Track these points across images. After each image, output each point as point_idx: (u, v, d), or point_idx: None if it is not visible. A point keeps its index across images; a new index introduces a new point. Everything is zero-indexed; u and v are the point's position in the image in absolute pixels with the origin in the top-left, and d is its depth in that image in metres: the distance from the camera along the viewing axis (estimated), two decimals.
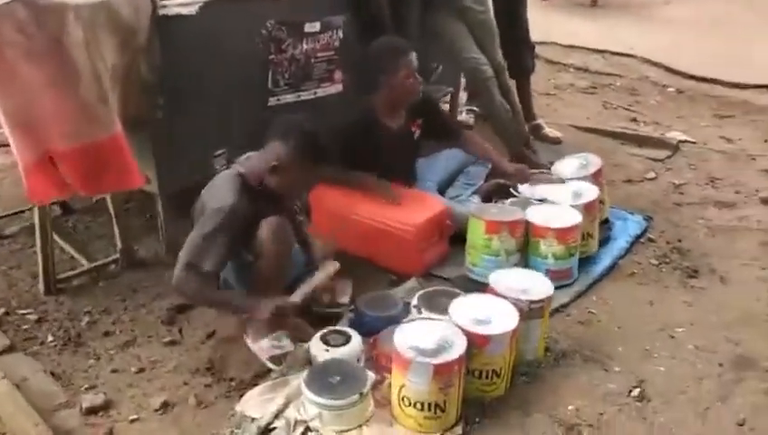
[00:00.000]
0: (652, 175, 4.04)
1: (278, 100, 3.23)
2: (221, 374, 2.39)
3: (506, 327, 2.22)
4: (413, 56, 3.14)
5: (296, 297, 2.42)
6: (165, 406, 2.24)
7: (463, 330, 2.19)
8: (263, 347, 2.45)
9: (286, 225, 2.41)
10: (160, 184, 2.91)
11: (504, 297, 2.37)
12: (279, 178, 2.45)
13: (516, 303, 2.34)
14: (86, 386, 2.32)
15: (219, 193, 2.38)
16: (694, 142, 4.48)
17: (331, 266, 2.59)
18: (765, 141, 4.54)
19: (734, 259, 3.18)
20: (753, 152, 4.36)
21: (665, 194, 3.81)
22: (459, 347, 2.11)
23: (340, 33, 3.45)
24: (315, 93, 3.42)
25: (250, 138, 2.58)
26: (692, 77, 5.70)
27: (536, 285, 2.48)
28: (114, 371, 2.40)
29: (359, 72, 3.39)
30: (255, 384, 2.32)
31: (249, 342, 2.48)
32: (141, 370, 2.41)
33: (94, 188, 2.57)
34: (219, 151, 2.51)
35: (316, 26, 3.32)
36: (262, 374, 2.38)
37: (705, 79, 5.60)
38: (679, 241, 3.31)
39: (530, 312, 2.36)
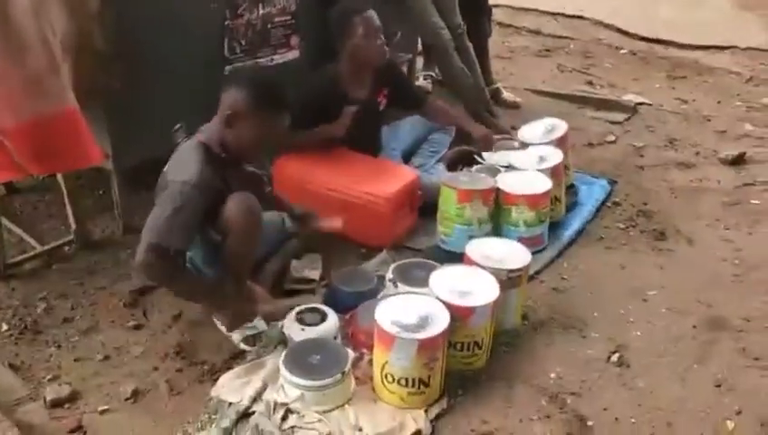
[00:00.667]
0: (612, 138, 4.04)
1: (234, 67, 3.09)
2: (192, 358, 2.29)
3: (488, 298, 2.18)
4: (373, 15, 3.04)
5: (282, 305, 2.37)
6: (135, 394, 2.13)
7: (444, 303, 2.14)
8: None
9: (253, 199, 2.27)
10: (116, 159, 2.76)
11: (483, 267, 2.33)
12: (237, 130, 2.25)
13: (495, 272, 2.30)
14: (49, 377, 2.18)
15: (183, 166, 2.21)
16: (650, 104, 4.50)
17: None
18: (718, 102, 4.60)
19: (698, 220, 3.21)
20: (707, 113, 4.41)
21: (626, 157, 3.82)
22: (442, 321, 2.06)
23: None
24: (272, 60, 3.28)
25: (207, 107, 2.43)
26: (644, 39, 5.73)
27: (512, 253, 2.44)
28: (77, 359, 2.27)
29: (320, 39, 3.27)
30: (229, 368, 2.23)
31: (219, 323, 2.38)
32: (107, 357, 2.29)
33: (48, 167, 2.39)
34: (177, 126, 2.34)
35: None
36: (235, 356, 2.29)
37: (658, 40, 5.64)
38: (645, 204, 3.33)
39: (508, 281, 2.33)
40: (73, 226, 2.79)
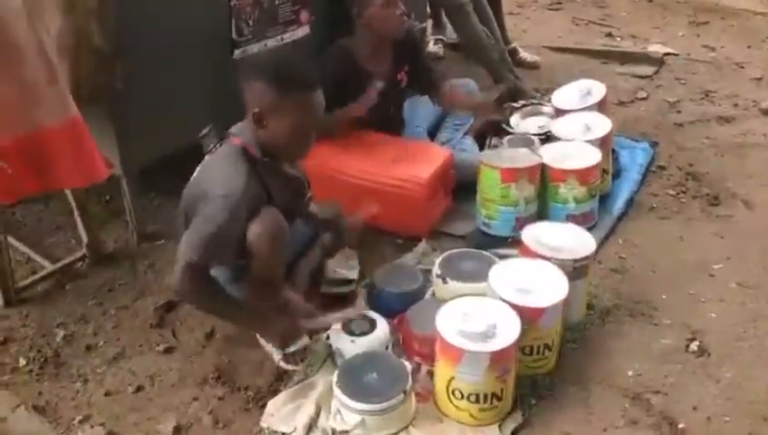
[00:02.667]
0: (643, 94, 3.81)
1: (244, 51, 2.81)
2: (233, 383, 2.07)
3: (558, 295, 1.96)
4: None
5: (310, 325, 2.11)
6: (177, 431, 1.91)
7: (511, 304, 1.92)
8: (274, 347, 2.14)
9: (277, 215, 2.01)
10: (125, 164, 2.50)
11: (545, 258, 2.11)
12: (271, 128, 1.99)
13: (560, 263, 2.08)
14: (79, 418, 1.95)
15: (224, 176, 1.95)
16: (677, 54, 4.25)
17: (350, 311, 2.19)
18: (748, 47, 4.35)
19: (750, 179, 3.02)
20: (739, 60, 4.17)
21: (662, 114, 3.59)
22: (513, 327, 1.85)
23: None
24: (282, 39, 2.99)
25: (218, 97, 2.15)
26: None
27: (573, 238, 2.22)
28: (108, 394, 2.04)
29: (331, 12, 3.00)
30: (276, 391, 2.01)
31: (260, 338, 2.16)
32: (139, 388, 2.06)
33: (50, 185, 2.12)
34: (206, 129, 2.07)
35: None
36: (280, 378, 2.07)
37: None
38: (690, 165, 3.12)
39: (574, 272, 2.11)
40: (85, 239, 2.55)
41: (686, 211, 2.82)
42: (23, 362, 2.17)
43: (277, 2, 2.91)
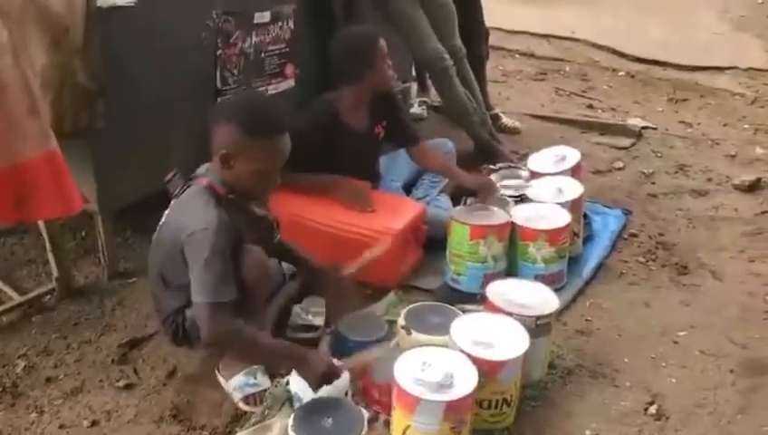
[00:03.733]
0: (620, 164, 3.90)
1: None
2: (190, 422, 2.05)
3: (518, 350, 1.98)
4: (383, 42, 2.86)
5: (346, 365, 2.06)
6: None
7: (470, 356, 1.94)
8: (236, 386, 2.13)
9: (260, 252, 2.07)
10: (101, 202, 2.53)
11: (508, 314, 2.14)
12: (237, 169, 2.02)
13: (522, 319, 2.11)
14: None
15: (196, 213, 1.98)
16: (655, 128, 4.38)
17: (384, 348, 2.19)
18: (724, 125, 4.49)
19: (720, 252, 3.06)
20: (714, 137, 4.29)
21: (637, 184, 3.67)
22: (470, 378, 1.86)
23: (291, 24, 3.13)
24: (267, 90, 3.09)
25: (199, 144, 2.21)
26: (640, 60, 5.63)
27: (538, 296, 2.25)
28: (62, 426, 2.02)
29: (316, 68, 3.09)
30: (232, 432, 2.00)
31: (221, 379, 2.16)
32: (95, 423, 2.04)
33: (27, 215, 2.14)
34: (171, 173, 2.12)
35: (266, 16, 2.99)
36: (237, 419, 2.06)
37: (655, 62, 5.54)
38: (662, 235, 3.17)
39: (537, 329, 2.13)
40: (55, 273, 2.56)
41: (654, 279, 2.86)
42: None
43: (263, 54, 3.01)
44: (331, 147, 2.84)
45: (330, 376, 1.96)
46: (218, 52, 2.79)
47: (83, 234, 2.96)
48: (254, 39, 2.95)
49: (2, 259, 2.84)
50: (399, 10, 3.59)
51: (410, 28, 3.62)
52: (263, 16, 2.97)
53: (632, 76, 5.41)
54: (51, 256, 2.56)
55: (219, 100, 2.83)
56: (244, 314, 1.99)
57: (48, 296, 2.57)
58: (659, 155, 4.03)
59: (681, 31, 6.26)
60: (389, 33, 3.57)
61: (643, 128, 4.33)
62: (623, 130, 4.30)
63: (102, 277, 2.71)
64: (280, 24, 3.08)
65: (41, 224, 2.52)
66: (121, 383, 2.20)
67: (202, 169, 2.15)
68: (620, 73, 5.47)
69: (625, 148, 4.11)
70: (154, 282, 2.18)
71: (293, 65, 3.20)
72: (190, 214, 2.01)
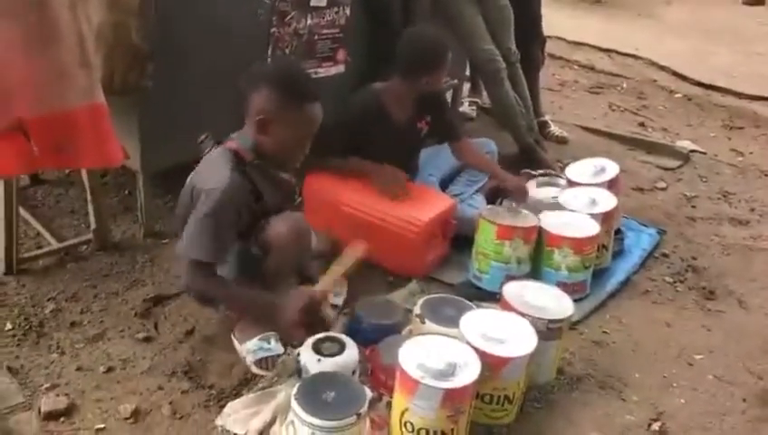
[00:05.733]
0: (663, 184, 3.84)
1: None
2: (200, 380, 2.13)
3: (525, 349, 1.99)
4: (449, 56, 2.91)
5: (322, 286, 2.17)
6: (135, 414, 1.97)
7: (476, 349, 1.96)
8: (249, 349, 2.20)
9: (302, 219, 2.15)
10: (143, 162, 2.63)
11: (521, 314, 2.15)
12: (273, 134, 2.12)
13: (534, 321, 2.12)
14: (47, 386, 2.03)
15: (211, 173, 2.09)
16: (704, 153, 4.29)
17: (359, 249, 2.31)
18: None
19: (751, 282, 3.00)
20: (765, 168, 4.18)
21: (677, 206, 3.61)
22: (472, 370, 1.88)
23: (347, 11, 3.19)
24: (317, 73, 3.15)
25: (242, 115, 2.30)
26: (700, 84, 5.52)
27: (554, 301, 2.25)
28: (79, 369, 2.12)
29: (367, 56, 3.13)
30: (237, 394, 2.06)
31: (236, 342, 2.23)
32: (110, 369, 2.14)
33: (66, 162, 2.26)
34: (203, 136, 2.21)
35: (323, 0, 3.05)
36: (245, 383, 2.13)
37: (715, 87, 5.43)
38: (694, 258, 3.12)
39: (547, 332, 2.14)
40: (93, 225, 2.67)
41: (679, 300, 2.83)
42: (9, 326, 2.27)
43: (316, 37, 3.07)
44: (371, 135, 2.88)
45: (307, 314, 2.08)
46: (272, 29, 2.86)
47: (126, 192, 3.09)
48: (309, 21, 3.02)
49: (46, 207, 2.97)
50: (457, 9, 3.62)
51: (466, 28, 3.64)
52: (320, 0, 3.03)
53: (689, 99, 5.31)
54: (91, 209, 2.67)
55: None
56: (264, 275, 2.08)
57: (84, 246, 2.69)
58: (705, 180, 3.96)
59: (746, 59, 6.14)
60: (445, 30, 3.63)
61: (692, 151, 4.25)
62: (671, 152, 4.23)
63: (138, 235, 2.82)
64: (336, 9, 3.13)
65: (84, 177, 2.63)
66: (140, 336, 2.29)
67: (234, 134, 2.24)
68: (677, 95, 5.38)
69: (671, 169, 4.04)
70: (178, 235, 2.27)
71: (345, 51, 3.25)
72: (206, 173, 2.12)
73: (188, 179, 2.21)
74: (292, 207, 2.34)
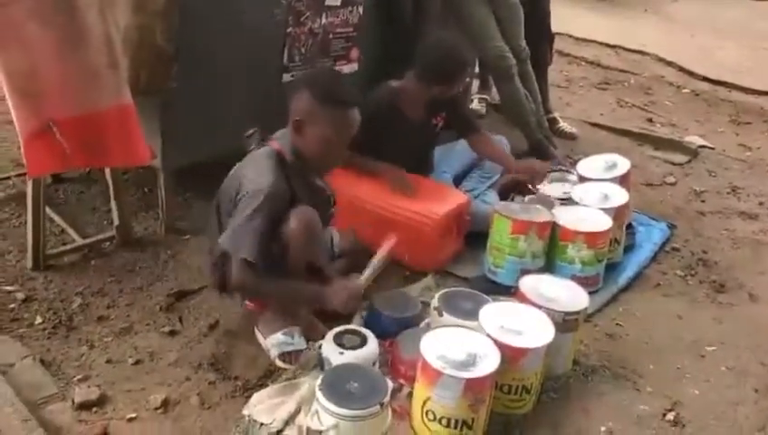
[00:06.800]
0: (672, 180, 3.89)
1: (292, 76, 3.02)
2: (226, 371, 2.19)
3: (543, 340, 2.05)
4: (467, 72, 2.97)
5: (366, 280, 2.24)
6: (165, 404, 2.04)
7: (495, 341, 2.02)
8: (273, 343, 2.26)
9: (314, 215, 2.20)
10: (165, 158, 2.69)
11: (537, 306, 2.20)
12: (307, 136, 2.19)
13: (550, 313, 2.17)
14: (79, 377, 2.10)
15: (257, 172, 2.16)
16: (712, 148, 4.34)
17: (391, 242, 2.36)
18: None
19: (761, 275, 3.04)
20: None
21: (686, 201, 3.66)
22: (492, 360, 1.94)
23: (360, 10, 3.24)
24: None
25: (261, 114, 2.36)
26: (707, 79, 5.56)
27: (569, 293, 2.31)
28: (109, 361, 2.19)
29: (380, 54, 3.18)
30: (263, 385, 2.13)
31: (260, 336, 2.29)
32: (139, 362, 2.20)
33: (95, 161, 2.33)
34: (251, 130, 2.27)
35: (338, 0, 3.11)
36: (269, 374, 2.19)
37: (722, 82, 5.46)
38: (704, 252, 3.17)
39: (563, 324, 2.19)
40: (116, 222, 2.73)
41: (690, 293, 2.88)
42: (39, 320, 2.33)
43: (331, 36, 3.13)
44: (387, 131, 2.94)
45: (351, 301, 2.19)
46: (288, 29, 2.92)
47: (148, 190, 3.14)
48: (323, 20, 3.07)
49: (70, 204, 3.03)
50: (468, 7, 3.67)
51: (477, 26, 3.69)
52: None
53: (697, 95, 5.35)
54: (114, 206, 2.73)
55: (285, 76, 2.97)
56: (281, 267, 2.14)
57: (108, 243, 2.75)
58: (713, 175, 4.01)
59: (755, 55, 6.17)
60: (456, 28, 3.69)
61: (700, 146, 4.30)
62: (680, 147, 4.28)
63: (159, 231, 2.88)
64: (350, 8, 3.18)
65: (107, 175, 2.69)
66: (166, 329, 2.35)
67: (278, 133, 2.30)
68: (685, 91, 5.42)
69: (680, 164, 4.09)
70: (212, 223, 2.34)
71: (358, 50, 3.30)
72: (253, 172, 2.17)
73: (233, 171, 2.27)
74: (327, 216, 2.41)
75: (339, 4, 3.11)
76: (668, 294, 2.86)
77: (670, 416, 2.19)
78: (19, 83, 2.05)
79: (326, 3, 3.05)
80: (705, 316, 2.74)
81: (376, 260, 2.31)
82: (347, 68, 3.31)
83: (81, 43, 2.09)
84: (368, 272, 2.29)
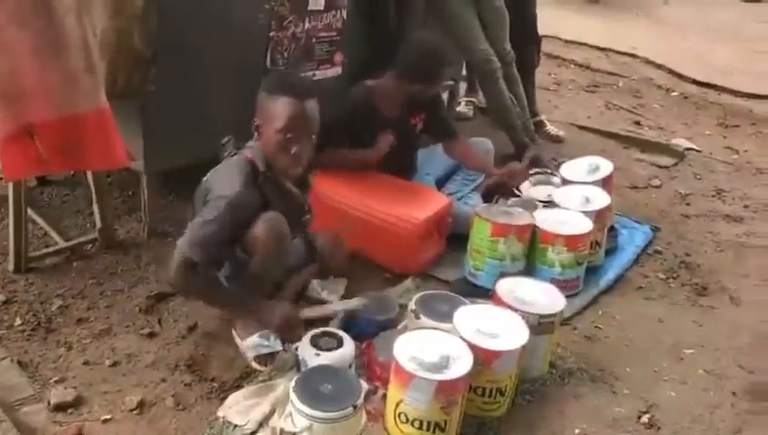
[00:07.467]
0: (657, 182, 3.91)
1: None
2: (202, 373, 2.20)
3: (516, 343, 2.06)
4: (444, 73, 3.01)
5: (308, 313, 2.28)
6: (140, 406, 2.04)
7: (468, 343, 2.02)
8: (249, 345, 2.27)
9: (282, 221, 2.20)
10: (146, 162, 2.70)
11: (513, 309, 2.21)
12: (264, 137, 2.20)
13: (525, 316, 2.18)
14: (55, 379, 2.11)
15: (225, 179, 2.17)
16: (699, 151, 4.36)
17: (355, 302, 2.41)
18: None
19: (744, 278, 3.06)
20: (760, 165, 4.25)
21: (671, 204, 3.68)
22: (465, 363, 1.94)
23: (344, 14, 3.25)
24: (314, 75, 3.22)
25: (243, 119, 2.37)
26: (696, 82, 5.59)
27: (546, 296, 2.32)
28: (86, 363, 2.20)
29: (364, 58, 3.20)
30: (239, 386, 2.14)
31: (237, 338, 2.30)
32: (116, 363, 2.21)
33: (72, 165, 2.35)
34: (226, 138, 2.29)
35: (320, 4, 3.12)
36: (245, 376, 2.20)
37: (711, 85, 5.49)
38: (687, 255, 3.18)
39: (538, 326, 2.20)
40: (99, 224, 2.75)
41: (671, 296, 2.89)
42: (18, 321, 2.34)
43: (314, 40, 3.14)
44: (364, 129, 2.95)
45: (286, 327, 2.23)
46: (271, 33, 2.93)
47: (130, 193, 3.16)
48: (306, 25, 3.08)
49: (53, 207, 3.05)
50: (452, 10, 3.68)
51: (461, 29, 3.70)
52: (317, 3, 3.09)
53: (685, 97, 5.38)
54: (96, 209, 2.74)
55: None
56: (254, 276, 2.16)
57: (90, 245, 2.76)
58: (699, 177, 4.02)
59: (746, 58, 6.19)
60: (441, 30, 3.70)
61: (687, 149, 4.32)
62: (666, 150, 4.30)
63: (142, 234, 2.89)
64: (333, 12, 3.19)
65: (89, 178, 2.70)
66: (145, 331, 2.36)
67: (251, 142, 2.31)
68: (674, 93, 5.45)
69: (666, 167, 4.11)
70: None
71: (342, 54, 3.31)
72: (222, 179, 2.18)
73: (206, 178, 2.28)
74: (301, 223, 2.42)
75: (322, 8, 3.12)
76: (650, 296, 2.87)
77: (645, 418, 2.20)
78: None
79: (309, 7, 3.06)
80: (686, 319, 2.75)
81: (334, 307, 2.36)
82: (331, 72, 3.32)
83: (60, 48, 2.10)
84: (317, 311, 2.34)
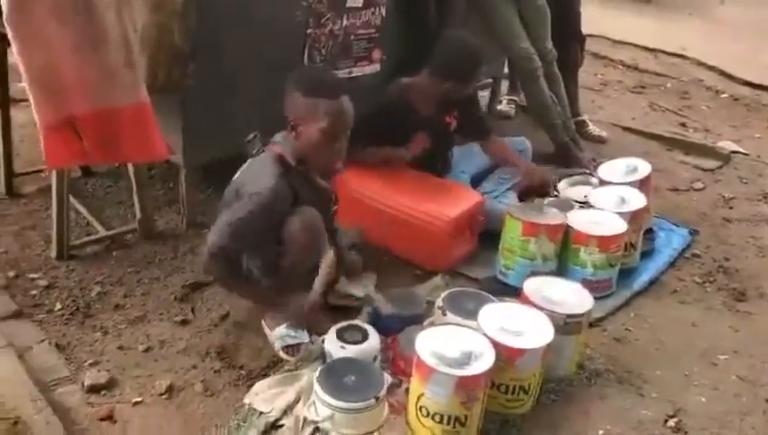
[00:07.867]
0: (700, 185, 3.82)
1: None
2: (231, 361, 2.26)
3: (540, 342, 2.05)
4: (479, 72, 3.02)
5: (313, 296, 2.32)
6: (170, 390, 2.12)
7: (492, 340, 2.03)
8: (277, 335, 2.32)
9: (317, 217, 2.24)
10: (185, 156, 2.78)
11: (539, 308, 2.21)
12: (302, 136, 2.21)
13: (551, 315, 2.17)
14: (90, 361, 2.20)
15: (258, 176, 2.21)
16: (746, 154, 4.24)
17: (329, 257, 2.46)
18: None
19: None
20: None
21: (713, 207, 3.59)
22: (486, 360, 1.95)
23: (383, 11, 3.27)
24: (351, 72, 3.25)
25: (280, 115, 2.42)
26: (749, 84, 5.43)
27: (574, 296, 2.30)
28: (120, 347, 2.28)
29: (402, 55, 3.21)
30: (265, 375, 2.19)
31: (266, 328, 2.36)
32: (149, 349, 2.29)
33: (112, 156, 2.44)
34: (251, 135, 2.33)
35: (359, 1, 3.14)
36: (272, 365, 2.25)
37: (764, 87, 5.32)
38: (726, 260, 3.11)
39: (565, 326, 2.19)
40: (139, 215, 2.83)
41: (707, 300, 2.83)
42: (58, 306, 2.44)
43: (353, 37, 3.17)
44: (399, 126, 2.97)
45: (312, 318, 2.32)
46: (309, 30, 2.97)
47: (171, 185, 3.24)
48: (344, 22, 3.11)
49: (96, 198, 3.16)
50: (494, 8, 3.67)
51: (502, 27, 3.69)
52: (356, 0, 3.12)
53: (736, 99, 5.23)
54: (136, 200, 2.83)
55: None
56: (288, 270, 2.20)
57: (130, 235, 2.86)
58: (745, 181, 3.92)
59: None
60: (481, 29, 3.69)
61: (733, 152, 4.21)
62: (711, 152, 4.19)
63: (180, 225, 2.97)
64: (372, 9, 3.22)
65: (130, 170, 2.79)
66: (178, 319, 2.43)
67: (278, 136, 2.34)
68: (723, 95, 5.31)
69: (710, 170, 4.02)
70: None
71: (380, 50, 3.34)
72: (254, 177, 2.23)
73: (234, 178, 2.32)
74: (329, 216, 2.44)
75: (360, 5, 3.15)
76: (684, 300, 2.82)
77: (672, 422, 2.17)
78: (39, 78, 2.16)
79: (347, 5, 3.09)
80: (721, 324, 2.69)
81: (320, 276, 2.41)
82: (369, 69, 3.34)
83: (100, 43, 2.18)
84: (315, 287, 2.40)
